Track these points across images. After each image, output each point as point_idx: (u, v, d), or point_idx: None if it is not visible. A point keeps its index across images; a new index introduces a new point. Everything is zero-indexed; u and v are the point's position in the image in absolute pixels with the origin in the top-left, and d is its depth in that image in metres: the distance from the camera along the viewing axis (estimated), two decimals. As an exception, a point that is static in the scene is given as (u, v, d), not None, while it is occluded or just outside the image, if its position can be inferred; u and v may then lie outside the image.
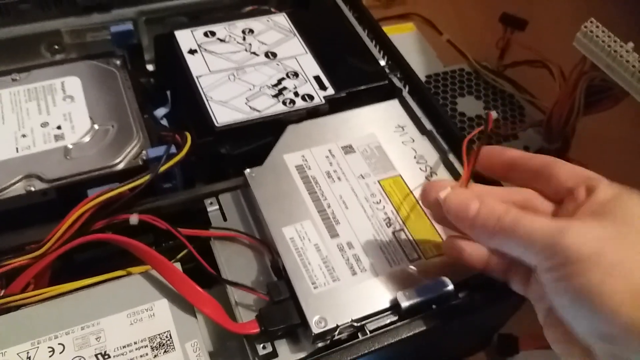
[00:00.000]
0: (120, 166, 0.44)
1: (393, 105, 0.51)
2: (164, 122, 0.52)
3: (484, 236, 0.34)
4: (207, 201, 0.44)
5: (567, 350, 0.31)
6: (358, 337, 0.37)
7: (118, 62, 0.52)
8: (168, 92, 0.52)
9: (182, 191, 0.45)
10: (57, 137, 0.45)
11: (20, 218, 0.41)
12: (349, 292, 0.38)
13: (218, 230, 0.42)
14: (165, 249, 0.46)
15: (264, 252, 0.41)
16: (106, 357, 0.33)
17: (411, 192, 0.44)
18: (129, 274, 0.37)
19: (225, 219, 0.43)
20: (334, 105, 0.49)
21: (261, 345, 0.36)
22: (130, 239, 0.37)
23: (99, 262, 0.41)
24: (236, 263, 0.40)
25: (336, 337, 0.37)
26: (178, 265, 0.37)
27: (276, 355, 0.36)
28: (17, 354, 0.33)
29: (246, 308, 0.38)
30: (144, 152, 0.45)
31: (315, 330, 0.35)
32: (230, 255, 0.41)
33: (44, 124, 0.46)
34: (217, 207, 0.44)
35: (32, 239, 0.40)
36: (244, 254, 0.41)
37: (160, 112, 0.52)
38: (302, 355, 0.37)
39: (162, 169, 0.42)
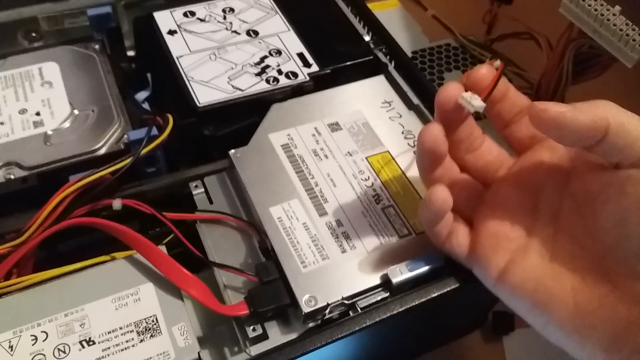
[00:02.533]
0: (102, 151, 0.43)
1: (379, 80, 0.50)
2: (146, 106, 0.51)
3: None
4: (192, 184, 0.43)
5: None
6: (349, 315, 0.36)
7: (97, 47, 0.51)
8: (149, 75, 0.51)
9: (166, 175, 0.44)
10: (36, 124, 0.44)
11: (4, 206, 0.40)
12: (338, 270, 0.37)
13: (204, 213, 0.41)
14: (151, 236, 0.45)
15: (251, 234, 0.40)
16: (91, 343, 0.32)
17: (399, 167, 0.43)
18: (113, 259, 0.36)
19: (211, 202, 0.43)
20: (318, 83, 0.48)
21: (251, 327, 0.36)
22: (112, 221, 0.36)
23: (83, 251, 0.40)
24: (223, 246, 0.40)
25: (327, 316, 0.36)
26: (163, 249, 0.36)
27: (266, 337, 0.36)
28: (-1, 343, 0.32)
29: (235, 291, 0.37)
30: (125, 136, 0.44)
31: (306, 309, 0.35)
32: (217, 238, 0.40)
33: (22, 111, 0.45)
34: (203, 190, 0.43)
35: (13, 228, 0.39)
36: (231, 237, 0.40)
37: (142, 95, 0.50)
38: (293, 336, 0.36)
39: (144, 151, 0.41)
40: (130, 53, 0.55)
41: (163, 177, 0.44)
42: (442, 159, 0.34)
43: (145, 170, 0.45)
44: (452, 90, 0.33)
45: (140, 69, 0.53)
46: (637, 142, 0.28)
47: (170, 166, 0.47)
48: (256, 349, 0.35)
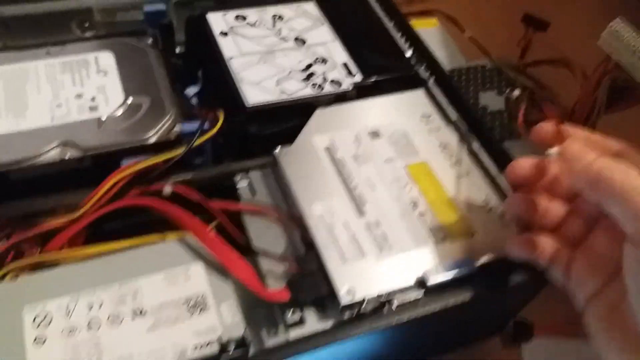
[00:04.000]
0: (152, 140, 0.45)
1: (418, 94, 0.52)
2: (193, 101, 0.53)
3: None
4: (237, 177, 0.45)
5: (619, 345, 0.31)
6: (383, 311, 0.38)
7: (150, 41, 0.53)
8: (199, 73, 0.53)
9: (213, 166, 0.46)
10: (92, 109, 0.46)
11: (55, 183, 0.42)
12: (376, 267, 0.39)
13: (248, 204, 0.43)
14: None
15: (292, 227, 0.42)
16: (143, 314, 0.34)
17: (436, 177, 0.45)
18: (164, 239, 0.38)
19: (254, 195, 0.44)
20: (361, 92, 0.50)
21: (290, 313, 0.37)
22: (168, 202, 0.38)
23: (128, 231, 0.42)
24: (266, 236, 0.41)
25: (362, 310, 0.38)
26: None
27: (303, 323, 0.37)
28: (57, 306, 0.33)
29: (275, 278, 0.39)
30: (176, 127, 0.46)
31: (344, 301, 0.36)
32: (260, 228, 0.42)
33: (78, 96, 0.47)
34: (247, 183, 0.45)
35: (66, 203, 0.41)
36: (273, 229, 0.42)
37: (190, 91, 0.53)
38: (329, 324, 0.38)
39: (197, 142, 0.43)
40: (180, 50, 0.57)
41: (210, 168, 0.46)
42: (533, 215, 0.38)
43: (193, 161, 0.47)
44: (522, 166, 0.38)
45: (188, 65, 0.56)
46: None
47: (214, 159, 0.49)
48: (294, 333, 0.37)
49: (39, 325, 0.33)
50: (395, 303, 0.38)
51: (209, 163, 0.48)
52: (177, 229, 0.40)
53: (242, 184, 0.45)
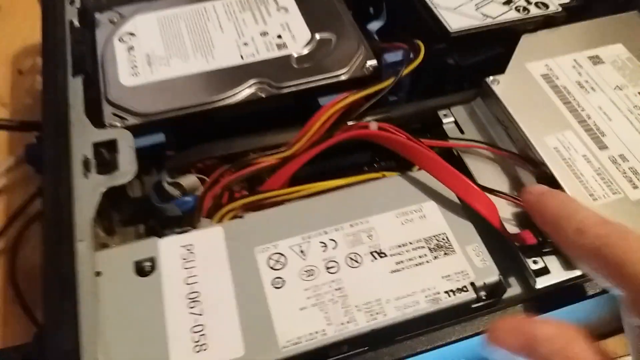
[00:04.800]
0: (346, 76, 0.42)
1: (633, 16, 0.45)
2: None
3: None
4: (441, 113, 0.41)
5: None
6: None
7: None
8: (372, 8, 0.49)
9: (413, 102, 0.42)
10: (279, 46, 0.43)
11: (253, 124, 0.40)
12: (633, 206, 0.33)
13: (460, 141, 0.39)
14: (382, 168, 0.43)
15: (516, 165, 0.37)
16: (382, 255, 0.30)
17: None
18: (384, 176, 0.34)
19: (462, 132, 0.40)
20: (570, 14, 0.44)
21: (531, 259, 0.33)
22: (395, 134, 0.34)
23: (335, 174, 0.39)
24: (487, 174, 0.37)
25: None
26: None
27: (548, 272, 0.32)
28: (289, 246, 0.31)
29: (508, 221, 0.34)
30: (369, 62, 0.42)
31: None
32: (480, 167, 0.37)
33: (263, 34, 0.44)
34: (452, 119, 0.40)
35: (271, 144, 0.38)
36: (492, 166, 0.37)
37: (374, 26, 0.48)
38: (577, 273, 0.32)
39: (405, 71, 0.38)
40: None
41: (409, 105, 0.42)
42: None
43: (387, 98, 0.43)
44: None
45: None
46: None
47: (407, 98, 0.45)
48: (541, 282, 0.32)
49: (274, 266, 0.30)
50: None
51: (403, 101, 0.44)
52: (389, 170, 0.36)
53: (447, 120, 0.41)
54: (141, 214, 0.38)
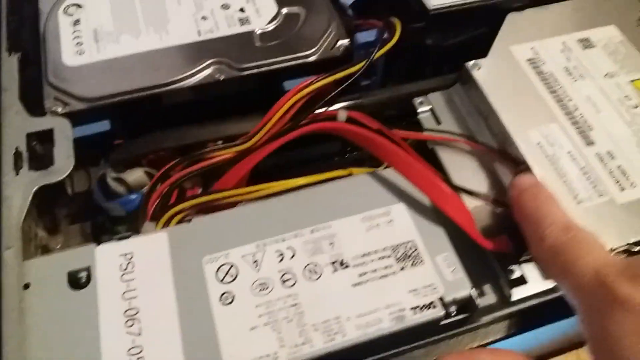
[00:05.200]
0: (314, 57, 0.38)
1: (629, -6, 0.41)
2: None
3: None
4: (417, 100, 0.37)
5: None
6: (634, 265, 0.29)
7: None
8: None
9: (386, 88, 0.39)
10: (242, 21, 0.39)
11: (209, 110, 0.36)
12: (619, 210, 0.30)
13: (436, 133, 0.35)
14: (354, 159, 0.40)
15: (493, 160, 0.34)
16: (344, 265, 0.27)
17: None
18: (351, 174, 0.31)
19: (438, 122, 0.36)
20: (561, -8, 0.40)
21: (507, 268, 0.30)
22: (365, 128, 0.30)
23: (295, 169, 0.35)
24: (464, 172, 0.34)
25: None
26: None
27: (525, 282, 0.30)
28: (242, 256, 0.28)
29: (484, 224, 0.31)
30: (340, 41, 0.38)
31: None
32: (456, 162, 0.34)
33: (225, 6, 0.40)
34: (429, 107, 0.37)
35: (228, 134, 0.35)
36: (470, 162, 0.34)
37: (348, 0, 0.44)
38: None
39: (378, 54, 0.35)
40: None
41: (384, 90, 0.38)
42: None
43: (360, 82, 0.39)
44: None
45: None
46: None
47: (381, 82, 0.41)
48: (517, 293, 0.29)
49: (223, 279, 0.27)
50: (651, 255, 0.29)
51: (377, 85, 0.40)
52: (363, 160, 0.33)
53: (422, 108, 0.37)
54: (87, 210, 0.35)
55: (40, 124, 0.32)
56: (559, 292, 0.29)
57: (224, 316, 0.26)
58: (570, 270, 0.24)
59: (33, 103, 0.34)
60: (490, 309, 0.30)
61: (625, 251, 0.30)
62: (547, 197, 0.28)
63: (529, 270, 0.30)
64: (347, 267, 0.27)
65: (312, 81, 0.33)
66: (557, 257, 0.25)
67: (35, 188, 0.29)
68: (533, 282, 0.30)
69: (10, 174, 0.30)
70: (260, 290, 0.27)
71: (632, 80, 0.36)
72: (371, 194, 0.30)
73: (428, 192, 0.29)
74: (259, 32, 0.39)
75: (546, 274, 0.27)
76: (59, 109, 0.34)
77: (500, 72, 0.36)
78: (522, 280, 0.30)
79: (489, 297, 0.30)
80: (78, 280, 0.27)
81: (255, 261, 0.28)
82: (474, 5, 0.39)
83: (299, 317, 0.26)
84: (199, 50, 0.37)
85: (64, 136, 0.31)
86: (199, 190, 0.33)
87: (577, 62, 0.37)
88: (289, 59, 0.38)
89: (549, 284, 0.30)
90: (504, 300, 0.30)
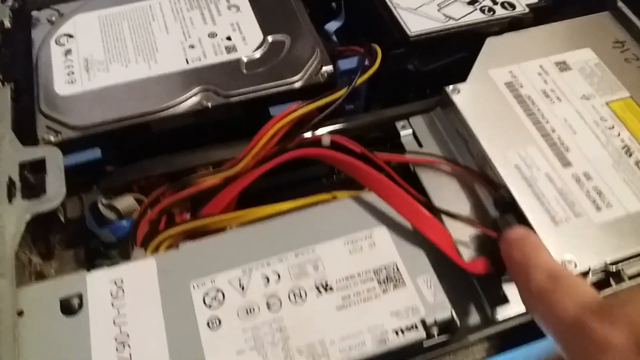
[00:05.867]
0: (299, 84, 0.39)
1: (605, 17, 0.43)
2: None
3: None
4: (399, 124, 0.38)
5: None
6: (610, 285, 0.30)
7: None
8: (337, 4, 0.46)
9: (370, 113, 0.40)
10: (228, 49, 0.40)
11: (197, 137, 0.37)
12: (595, 229, 0.31)
13: (418, 155, 0.36)
14: (341, 181, 0.41)
15: (474, 182, 0.35)
16: (328, 289, 0.28)
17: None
18: (334, 198, 0.32)
19: (420, 145, 0.37)
20: (538, 16, 0.42)
21: (490, 288, 0.31)
22: (350, 156, 0.31)
23: (280, 192, 0.36)
24: (445, 194, 0.35)
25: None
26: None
27: (507, 301, 0.31)
28: (228, 280, 0.28)
29: (465, 245, 0.32)
30: (324, 68, 0.39)
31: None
32: (437, 183, 0.35)
33: (212, 35, 0.41)
34: (411, 130, 0.38)
35: (215, 160, 0.36)
36: (450, 184, 0.35)
37: (332, 26, 0.46)
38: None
39: (360, 81, 0.36)
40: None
41: (367, 115, 0.39)
42: None
43: (344, 107, 0.40)
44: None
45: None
46: None
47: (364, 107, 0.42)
48: (500, 313, 0.30)
49: (210, 304, 0.28)
50: (629, 273, 0.30)
51: (360, 110, 0.41)
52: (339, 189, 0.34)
53: (405, 131, 0.38)
54: (81, 234, 0.36)
55: (32, 153, 0.32)
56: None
57: (211, 341, 0.27)
58: (551, 316, 0.25)
59: (25, 132, 0.35)
60: (472, 329, 0.30)
61: (603, 271, 0.31)
62: (534, 246, 0.29)
63: (511, 289, 0.31)
64: (331, 290, 0.28)
65: (296, 108, 0.34)
66: (540, 303, 0.26)
67: (28, 217, 0.30)
68: (515, 302, 0.31)
69: (4, 204, 0.30)
70: (247, 314, 0.28)
71: (608, 102, 0.37)
72: (354, 218, 0.31)
73: (408, 216, 0.30)
74: (245, 59, 0.40)
75: (534, 318, 0.27)
76: (52, 138, 0.35)
77: (479, 96, 0.37)
78: (504, 300, 0.31)
79: (471, 317, 0.30)
80: (70, 307, 0.28)
81: (242, 286, 0.28)
82: (453, 31, 0.40)
83: (284, 341, 0.27)
84: (187, 78, 0.38)
85: (56, 165, 0.32)
86: (187, 215, 0.34)
87: (553, 84, 0.38)
88: (275, 85, 0.39)
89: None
90: (486, 320, 0.31)
